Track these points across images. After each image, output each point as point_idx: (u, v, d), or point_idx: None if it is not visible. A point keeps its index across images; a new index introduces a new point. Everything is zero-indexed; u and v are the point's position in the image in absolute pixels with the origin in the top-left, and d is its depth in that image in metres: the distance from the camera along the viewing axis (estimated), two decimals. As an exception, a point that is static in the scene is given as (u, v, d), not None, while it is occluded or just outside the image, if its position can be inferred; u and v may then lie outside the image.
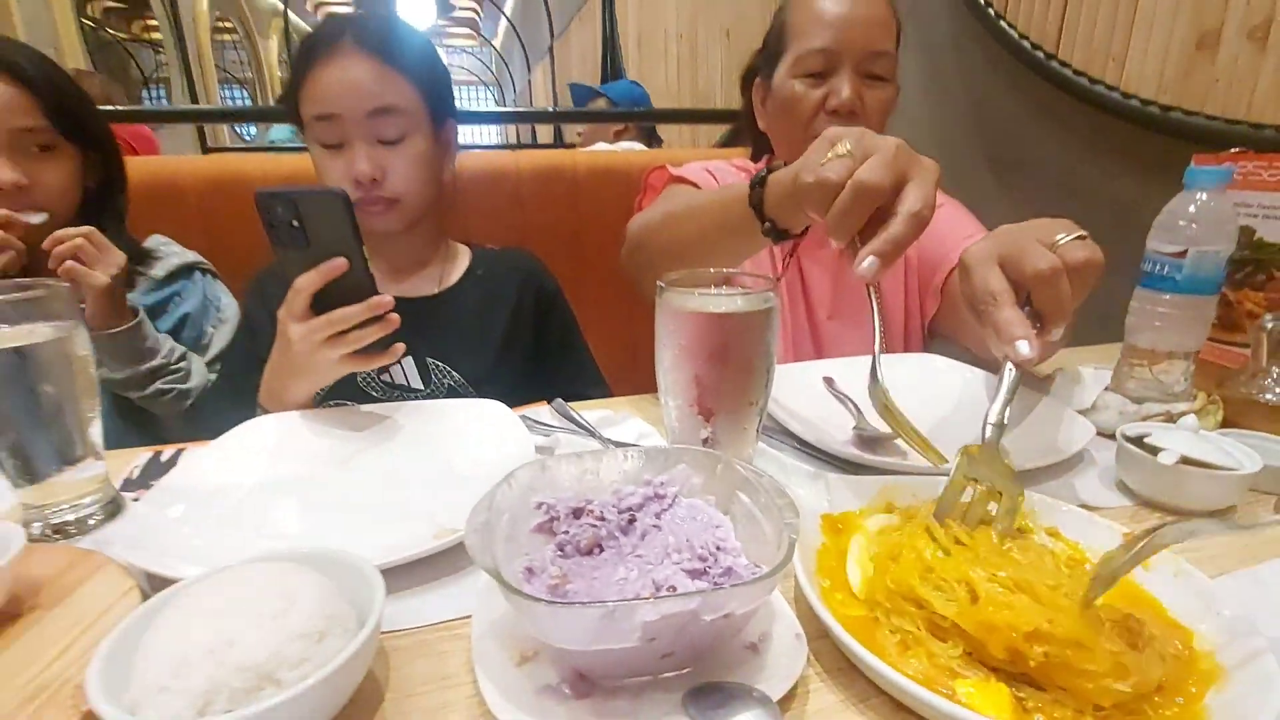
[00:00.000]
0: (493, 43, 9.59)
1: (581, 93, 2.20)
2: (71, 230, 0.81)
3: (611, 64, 3.29)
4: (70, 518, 0.55)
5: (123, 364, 0.89)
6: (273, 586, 0.35)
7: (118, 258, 0.85)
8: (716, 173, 0.96)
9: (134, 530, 0.50)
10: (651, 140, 2.09)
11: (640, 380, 1.13)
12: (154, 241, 1.03)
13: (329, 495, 0.57)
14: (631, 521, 0.41)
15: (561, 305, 1.02)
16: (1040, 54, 1.06)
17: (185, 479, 0.58)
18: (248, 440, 0.64)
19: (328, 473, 0.61)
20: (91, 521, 0.55)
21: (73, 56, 4.49)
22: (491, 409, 0.71)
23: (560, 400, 0.74)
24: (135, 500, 0.59)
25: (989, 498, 0.45)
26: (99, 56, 5.35)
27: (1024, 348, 0.45)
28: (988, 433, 0.46)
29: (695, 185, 0.92)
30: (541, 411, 0.76)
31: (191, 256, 1.05)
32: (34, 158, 0.85)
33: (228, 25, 8.09)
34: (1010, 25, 1.13)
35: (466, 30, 9.88)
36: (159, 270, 0.99)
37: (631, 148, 1.94)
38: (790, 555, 0.33)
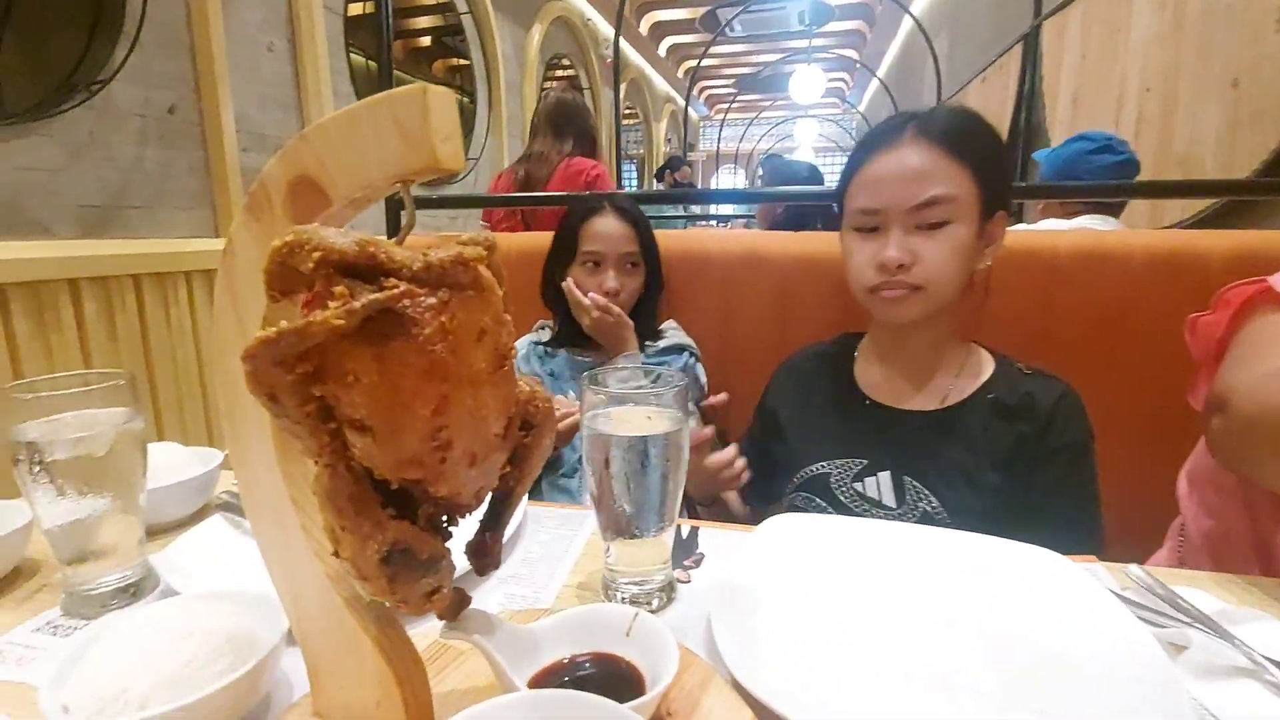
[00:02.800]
0: (858, 109, 9.63)
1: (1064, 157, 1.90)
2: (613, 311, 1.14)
3: (1027, 124, 2.93)
4: (635, 590, 0.58)
5: None
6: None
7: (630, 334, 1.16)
8: None
9: (713, 625, 0.49)
10: (1116, 213, 1.74)
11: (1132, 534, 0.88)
12: (667, 324, 1.26)
13: (906, 637, 0.50)
14: None
15: (1085, 460, 0.83)
16: None
17: (733, 576, 0.57)
18: (780, 541, 0.62)
19: (888, 600, 0.55)
20: (654, 603, 0.57)
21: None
22: (1054, 565, 0.57)
23: (1141, 568, 0.58)
24: (681, 582, 0.61)
25: None
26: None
27: None
28: None
29: None
30: (1095, 568, 0.60)
31: (685, 340, 1.23)
32: (625, 272, 1.18)
33: (632, 111, 9.64)
34: None
35: (832, 100, 10.12)
36: (663, 343, 1.22)
37: (1088, 225, 1.63)
38: None
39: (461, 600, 0.37)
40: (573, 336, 1.21)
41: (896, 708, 0.43)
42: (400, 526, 0.29)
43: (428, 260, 0.27)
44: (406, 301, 0.26)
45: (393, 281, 0.26)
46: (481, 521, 0.38)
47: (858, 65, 9.01)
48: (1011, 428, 0.82)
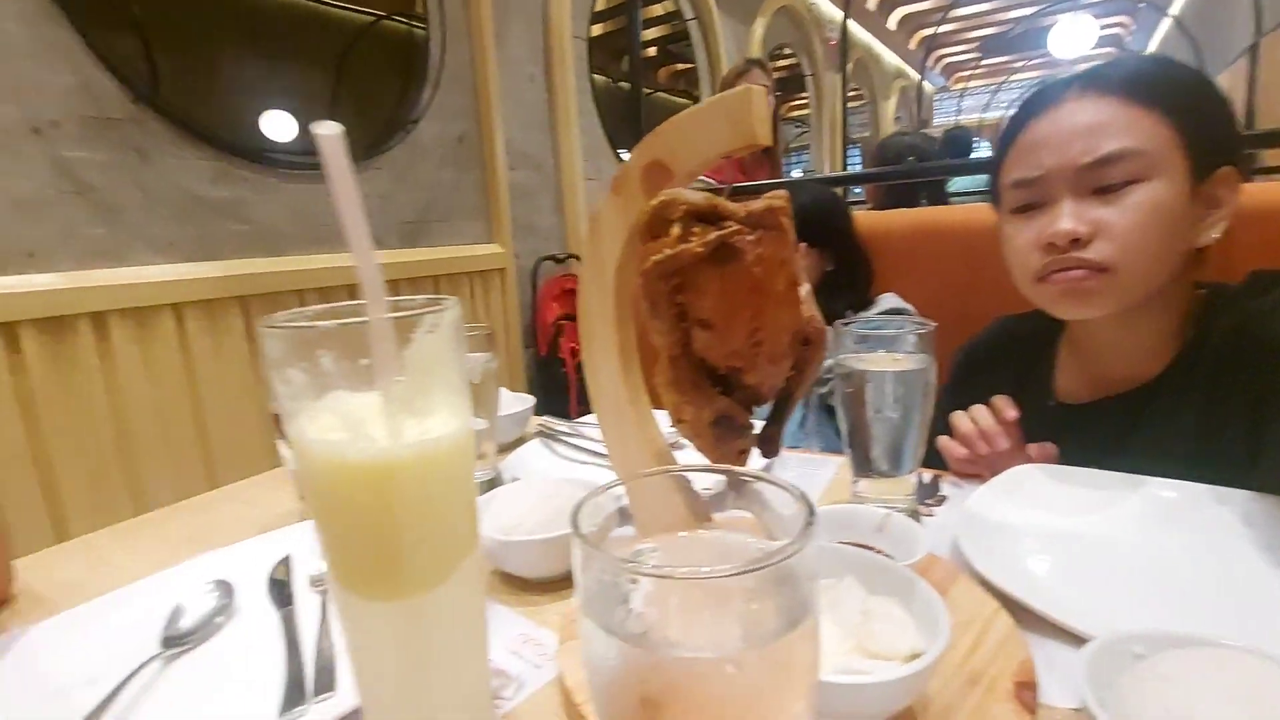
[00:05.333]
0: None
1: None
2: None
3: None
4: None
5: None
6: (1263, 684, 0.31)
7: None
8: None
9: (960, 540, 0.54)
10: None
11: None
12: (884, 296, 1.29)
13: (1156, 570, 0.52)
14: None
15: None
16: None
17: (977, 506, 0.61)
18: (1028, 482, 0.65)
19: (1142, 541, 0.56)
20: (901, 525, 0.64)
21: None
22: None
23: None
24: (928, 516, 0.67)
25: None
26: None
27: None
28: None
29: None
30: None
31: (902, 305, 1.26)
32: None
33: (857, 93, 9.22)
34: None
35: (1107, 51, 8.65)
36: (875, 310, 1.27)
37: None
38: None
39: (751, 479, 0.49)
40: None
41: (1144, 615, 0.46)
42: (724, 400, 0.41)
43: (749, 209, 0.39)
44: (738, 238, 0.38)
45: (729, 223, 0.38)
46: (767, 419, 0.49)
47: (1141, 3, 7.60)
48: (1231, 363, 0.66)
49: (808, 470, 0.81)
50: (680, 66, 6.33)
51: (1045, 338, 0.85)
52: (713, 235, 0.37)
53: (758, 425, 0.46)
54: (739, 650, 0.22)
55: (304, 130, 2.36)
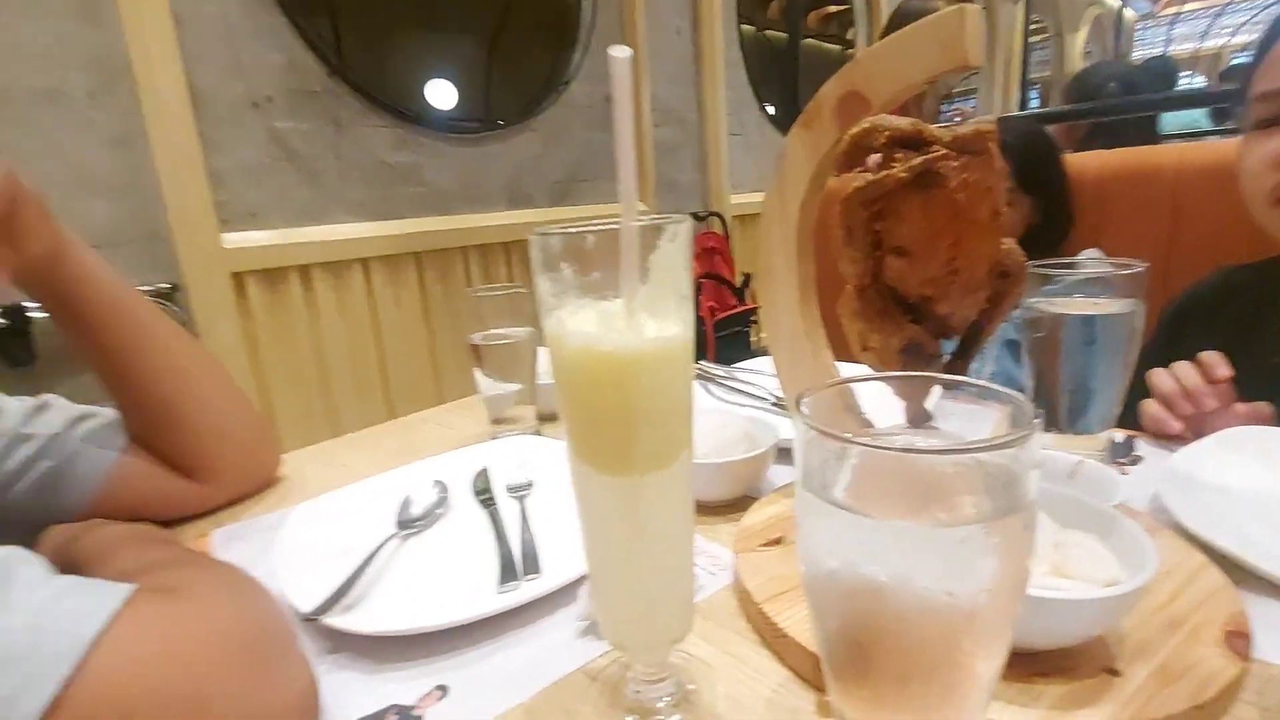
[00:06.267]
0: None
1: None
2: None
3: None
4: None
5: None
6: None
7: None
8: None
9: (1161, 491, 0.51)
10: None
11: None
12: (1086, 253, 1.13)
13: None
14: None
15: None
16: None
17: (1180, 464, 0.57)
18: (1239, 443, 0.59)
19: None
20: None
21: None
22: None
23: None
24: (1123, 475, 0.63)
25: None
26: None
27: None
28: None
29: None
30: None
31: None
32: None
33: (1039, 24, 8.19)
34: None
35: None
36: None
37: None
38: None
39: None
40: None
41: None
42: (914, 328, 0.42)
43: (955, 133, 0.38)
44: (943, 163, 0.38)
45: (935, 148, 0.38)
46: (953, 353, 0.48)
47: None
48: None
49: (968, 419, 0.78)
50: (832, 9, 5.93)
51: (1276, 287, 0.76)
52: (917, 160, 0.37)
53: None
54: (960, 524, 0.24)
55: (464, 97, 2.52)
